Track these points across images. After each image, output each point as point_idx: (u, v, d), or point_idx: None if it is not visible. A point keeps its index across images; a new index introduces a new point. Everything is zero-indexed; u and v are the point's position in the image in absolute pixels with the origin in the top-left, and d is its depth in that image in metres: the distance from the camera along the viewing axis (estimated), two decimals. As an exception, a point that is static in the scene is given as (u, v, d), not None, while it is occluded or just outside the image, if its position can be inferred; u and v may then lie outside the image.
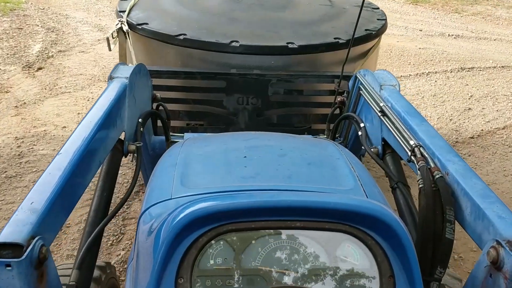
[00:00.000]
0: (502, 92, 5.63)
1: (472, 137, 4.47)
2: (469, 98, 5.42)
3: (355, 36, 2.18)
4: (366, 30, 2.73)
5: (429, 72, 6.23)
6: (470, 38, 8.02)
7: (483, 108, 5.16)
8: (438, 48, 7.29)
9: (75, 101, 4.85)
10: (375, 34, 2.79)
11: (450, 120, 4.84)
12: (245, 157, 1.37)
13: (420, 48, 7.27)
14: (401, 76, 6.07)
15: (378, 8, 3.40)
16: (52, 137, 4.09)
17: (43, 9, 8.32)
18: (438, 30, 8.41)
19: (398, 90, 1.97)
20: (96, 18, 7.98)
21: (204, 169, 1.38)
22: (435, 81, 5.94)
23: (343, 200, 1.06)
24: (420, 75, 6.13)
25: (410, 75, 6.14)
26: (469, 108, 5.14)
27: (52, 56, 6.10)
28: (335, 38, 2.52)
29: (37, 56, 6.00)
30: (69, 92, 5.06)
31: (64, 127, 4.27)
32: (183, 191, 1.24)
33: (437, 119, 4.86)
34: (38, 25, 7.36)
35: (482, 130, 4.62)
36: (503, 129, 4.67)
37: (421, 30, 8.35)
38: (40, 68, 5.62)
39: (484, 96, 5.49)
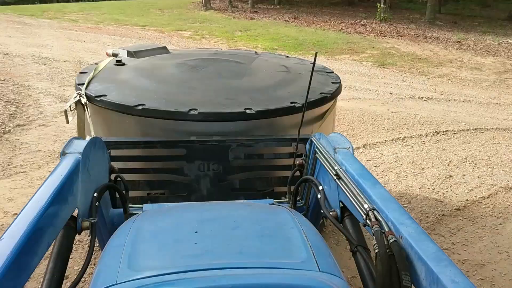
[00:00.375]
0: (479, 156, 5.52)
1: (458, 209, 4.24)
2: (448, 164, 5.26)
3: (311, 99, 2.25)
4: (321, 93, 2.80)
5: (404, 137, 6.11)
6: (440, 100, 8.08)
7: (464, 175, 4.99)
8: (410, 111, 7.27)
9: (30, 182, 4.43)
10: (330, 97, 2.86)
11: (433, 189, 4.63)
12: (196, 232, 1.38)
13: (392, 112, 7.22)
14: (376, 142, 5.92)
15: (332, 72, 3.56)
16: (0, 227, 3.63)
17: (4, 80, 7.99)
18: (408, 93, 8.46)
19: (352, 153, 2.00)
20: (60, 89, 7.69)
21: (152, 248, 1.36)
22: (412, 147, 5.80)
23: (283, 280, 1.16)
24: (396, 141, 6.00)
25: (385, 140, 5.99)
26: (450, 176, 4.96)
27: (9, 131, 5.70)
28: (291, 103, 2.59)
29: (-8, 132, 5.59)
30: (25, 171, 4.65)
31: (16, 214, 3.82)
32: (129, 274, 1.22)
33: (419, 189, 4.64)
34: (-4, 98, 7.00)
35: (467, 200, 4.41)
36: (488, 198, 4.47)
37: (391, 93, 8.39)
38: (-6, 145, 5.21)
39: (462, 162, 5.35)
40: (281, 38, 14.32)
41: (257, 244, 1.35)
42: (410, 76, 9.94)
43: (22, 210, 1.43)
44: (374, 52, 12.57)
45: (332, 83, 3.18)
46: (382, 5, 19.51)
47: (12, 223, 1.36)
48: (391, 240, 1.35)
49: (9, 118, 6.16)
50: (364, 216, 1.52)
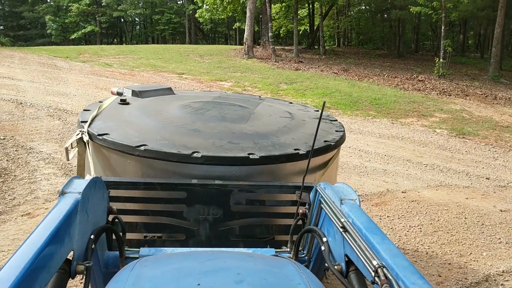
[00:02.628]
0: None
1: None
2: None
3: (315, 147, 2.22)
4: (325, 141, 2.77)
5: (539, 262, 4.14)
6: (558, 192, 6.07)
7: None
8: (527, 211, 5.29)
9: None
10: (333, 145, 2.80)
11: None
12: (198, 284, 1.30)
13: (501, 211, 5.27)
14: (502, 271, 3.96)
15: (336, 120, 3.47)
16: None
17: (4, 138, 6.54)
18: (509, 178, 6.50)
19: (359, 205, 1.92)
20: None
21: None
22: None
23: None
24: (528, 268, 4.03)
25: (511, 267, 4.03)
26: None
27: (-23, 223, 4.10)
28: (295, 149, 2.55)
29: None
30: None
31: None
32: None
33: None
34: (-16, 165, 5.49)
35: None
36: None
37: (488, 179, 6.44)
38: None
39: None
40: (332, 94, 12.67)
41: None
42: (501, 152, 7.97)
43: (16, 251, 1.36)
44: (445, 116, 10.68)
45: (336, 131, 3.10)
46: (441, 60, 17.71)
47: (5, 265, 1.28)
48: None
49: (-13, 199, 4.58)
50: (373, 273, 1.42)
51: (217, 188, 2.34)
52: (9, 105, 8.45)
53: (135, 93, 3.63)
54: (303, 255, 2.22)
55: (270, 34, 21.36)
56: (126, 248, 2.10)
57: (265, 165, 2.47)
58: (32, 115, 7.96)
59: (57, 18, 42.95)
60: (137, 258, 1.89)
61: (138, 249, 2.10)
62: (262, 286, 1.36)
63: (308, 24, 32.87)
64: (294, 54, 21.79)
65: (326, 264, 1.79)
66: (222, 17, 29.03)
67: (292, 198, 2.38)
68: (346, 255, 1.74)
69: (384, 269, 1.41)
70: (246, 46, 20.13)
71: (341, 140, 2.94)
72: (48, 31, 43.54)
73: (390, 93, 13.47)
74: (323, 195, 2.07)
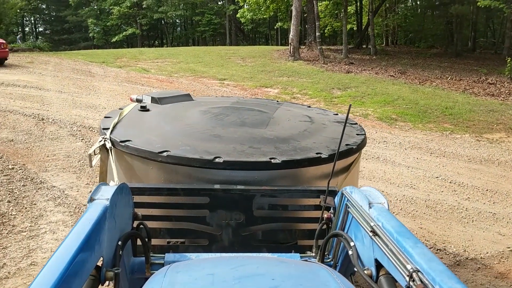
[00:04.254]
0: None
1: None
2: None
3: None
4: (347, 145, 2.73)
5: None
6: None
7: None
8: None
9: None
10: (355, 149, 2.76)
11: None
12: None
13: None
14: None
15: (356, 124, 3.41)
16: None
17: (13, 168, 5.42)
18: None
19: (387, 209, 1.89)
20: (86, 189, 4.93)
21: None
22: None
23: None
24: None
25: None
26: None
27: None
28: (317, 153, 2.52)
29: None
30: None
31: None
32: None
33: None
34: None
35: None
36: None
37: None
38: None
39: None
40: (395, 102, 11.03)
41: None
42: None
43: (50, 259, 1.37)
44: (539, 129, 8.85)
45: (357, 134, 3.03)
46: (514, 60, 15.61)
47: (39, 273, 1.30)
48: None
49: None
50: (407, 278, 1.40)
51: (239, 193, 2.34)
52: (29, 122, 7.39)
53: (154, 100, 3.61)
54: (328, 260, 2.21)
55: (317, 33, 19.80)
56: (151, 254, 2.08)
57: (287, 170, 2.45)
58: (52, 134, 6.84)
59: (99, 21, 42.94)
60: (162, 264, 1.92)
61: (163, 255, 2.10)
62: None
63: (355, 22, 31.03)
64: (343, 55, 20.14)
65: (355, 269, 1.76)
66: (265, 16, 27.70)
67: (315, 202, 2.37)
68: (376, 260, 1.71)
69: (419, 274, 1.38)
70: (291, 47, 18.65)
71: (363, 143, 2.93)
72: (90, 35, 43.64)
73: (461, 99, 11.68)
74: (350, 199, 2.05)
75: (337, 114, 3.71)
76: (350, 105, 2.15)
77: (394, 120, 9.17)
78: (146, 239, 2.05)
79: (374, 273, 1.70)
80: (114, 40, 41.47)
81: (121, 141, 2.54)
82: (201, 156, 2.35)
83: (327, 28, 30.07)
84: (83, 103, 9.01)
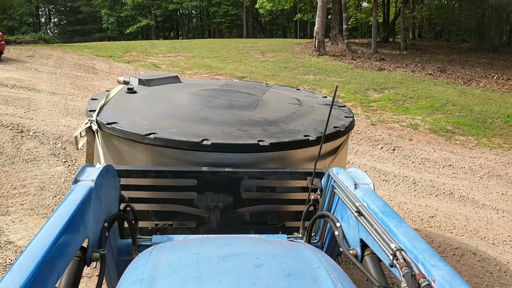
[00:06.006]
0: None
1: None
2: None
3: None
4: (335, 127, 2.73)
5: None
6: None
7: None
8: None
9: None
10: (343, 131, 2.77)
11: None
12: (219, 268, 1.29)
13: None
14: None
15: (345, 106, 3.38)
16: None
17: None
18: None
19: (373, 189, 1.88)
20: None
21: (174, 285, 1.24)
22: None
23: None
24: None
25: None
26: None
27: None
28: (305, 136, 2.52)
29: None
30: None
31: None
32: None
33: None
34: None
35: None
36: None
37: None
38: None
39: None
40: (444, 107, 9.37)
41: (285, 284, 1.25)
42: None
43: (33, 240, 1.35)
44: None
45: (345, 117, 3.02)
46: None
47: (22, 253, 1.27)
48: (423, 284, 1.24)
49: None
50: (391, 257, 1.42)
51: (227, 176, 2.32)
52: (4, 135, 5.96)
53: (141, 82, 3.54)
54: (315, 241, 2.20)
55: (344, 26, 18.11)
56: (138, 236, 2.08)
57: (275, 152, 2.45)
58: (29, 153, 5.40)
59: (113, 12, 41.68)
60: (149, 245, 1.88)
61: (150, 237, 2.09)
62: (282, 270, 1.33)
63: (381, 14, 29.15)
64: (372, 49, 18.42)
65: (341, 249, 1.78)
66: (286, 7, 26.00)
67: (302, 184, 2.35)
68: (361, 240, 1.72)
69: (403, 252, 1.39)
70: (316, 40, 16.98)
71: (351, 126, 2.91)
72: (104, 26, 42.42)
73: (521, 105, 9.96)
74: (336, 180, 2.05)
75: (326, 97, 3.66)
76: (337, 86, 2.14)
77: (451, 133, 7.54)
78: (133, 221, 2.04)
79: (359, 253, 1.71)
80: (128, 31, 40.20)
81: (108, 123, 2.52)
82: (189, 138, 2.35)
83: (350, 20, 28.29)
84: (77, 109, 7.56)
